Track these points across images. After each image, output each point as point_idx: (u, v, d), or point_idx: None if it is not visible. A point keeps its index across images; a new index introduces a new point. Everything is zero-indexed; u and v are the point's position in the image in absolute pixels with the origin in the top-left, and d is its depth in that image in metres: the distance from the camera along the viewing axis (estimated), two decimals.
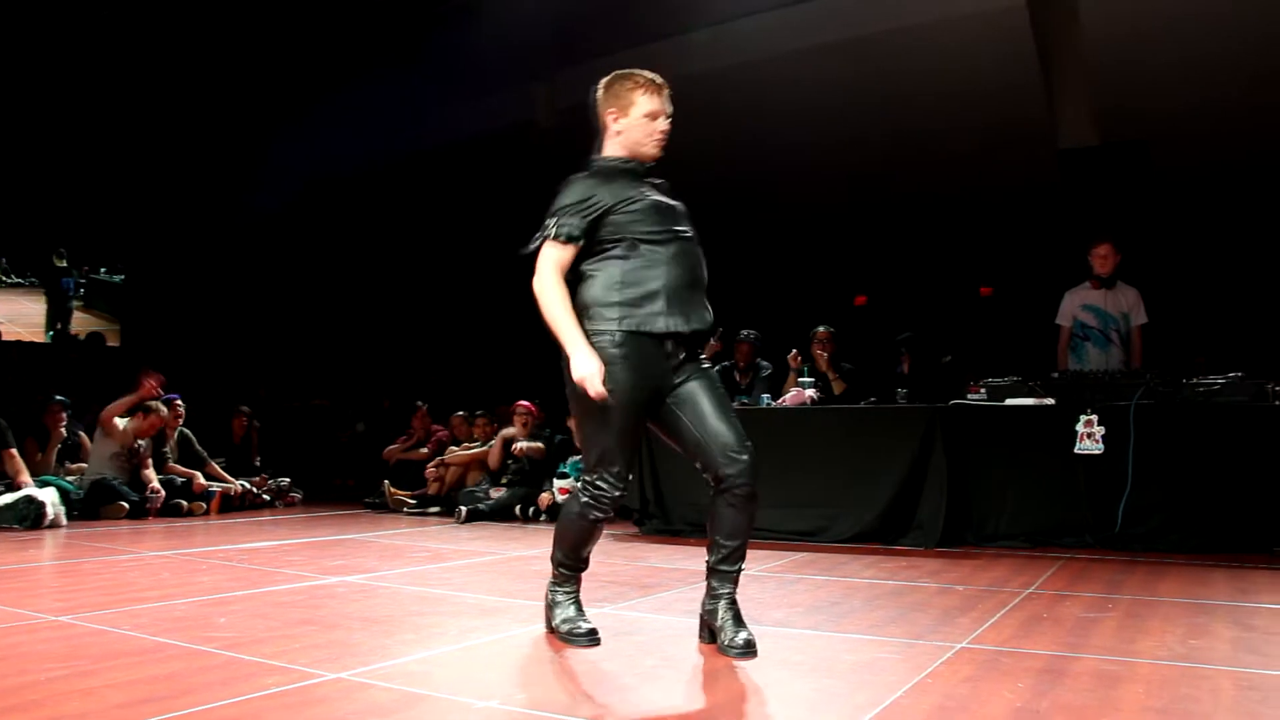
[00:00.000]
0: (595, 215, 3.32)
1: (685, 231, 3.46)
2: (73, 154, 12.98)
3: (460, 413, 9.98)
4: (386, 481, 9.58)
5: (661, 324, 3.31)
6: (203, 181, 14.09)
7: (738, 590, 3.46)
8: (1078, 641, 3.53)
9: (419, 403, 10.66)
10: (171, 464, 8.93)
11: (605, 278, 3.34)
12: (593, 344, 3.27)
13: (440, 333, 15.43)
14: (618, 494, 3.41)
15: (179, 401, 9.31)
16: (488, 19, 12.00)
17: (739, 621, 3.38)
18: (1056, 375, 6.55)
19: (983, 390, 6.61)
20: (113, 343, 14.83)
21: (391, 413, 12.46)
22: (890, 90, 10.36)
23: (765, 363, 8.16)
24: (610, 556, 6.04)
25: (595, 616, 4.02)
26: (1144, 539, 5.86)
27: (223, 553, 6.16)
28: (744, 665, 3.24)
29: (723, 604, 3.41)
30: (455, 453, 9.41)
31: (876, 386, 7.81)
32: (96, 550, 6.33)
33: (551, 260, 3.32)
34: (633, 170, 3.48)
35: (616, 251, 3.34)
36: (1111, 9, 9.22)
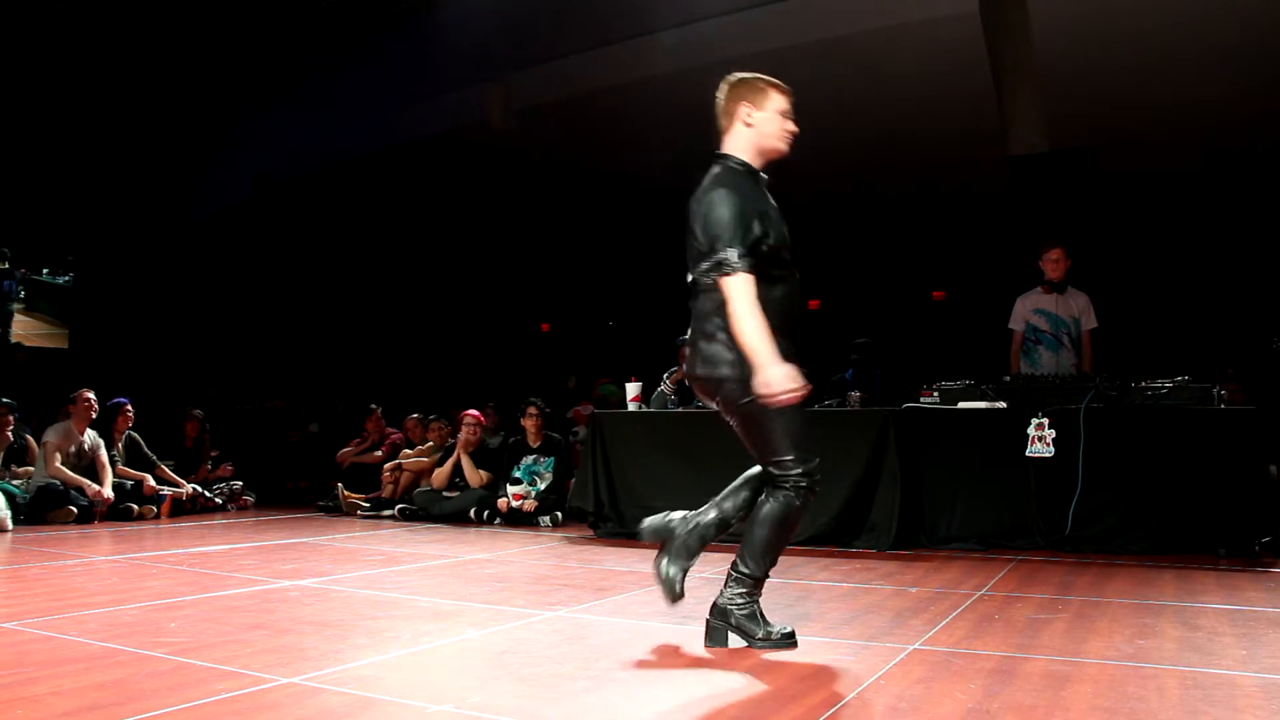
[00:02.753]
0: (753, 240, 3.37)
1: (789, 255, 3.55)
2: (15, 153, 12.75)
3: (415, 415, 9.93)
4: (340, 484, 9.50)
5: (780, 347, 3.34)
6: (152, 181, 13.92)
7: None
8: (1028, 642, 3.57)
9: (373, 405, 10.59)
10: (121, 467, 8.80)
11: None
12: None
13: (394, 334, 15.36)
14: (819, 476, 3.50)
15: (128, 405, 9.18)
16: (442, 19, 11.96)
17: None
18: (1008, 379, 6.62)
19: (935, 394, 6.67)
20: (60, 345, 14.58)
21: (345, 415, 12.37)
22: (843, 96, 10.43)
23: None
24: (565, 559, 6.03)
25: (549, 619, 4.03)
26: (1094, 541, 5.94)
27: (173, 557, 6.08)
28: (699, 667, 3.25)
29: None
30: (409, 455, 9.35)
31: (831, 390, 7.86)
32: (43, 555, 6.23)
33: (746, 292, 3.31)
34: (757, 175, 3.57)
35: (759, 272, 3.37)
36: (1061, 20, 9.34)
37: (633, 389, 7.61)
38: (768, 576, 3.54)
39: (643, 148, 11.85)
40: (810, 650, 3.46)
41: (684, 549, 3.62)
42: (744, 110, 3.53)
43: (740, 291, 3.30)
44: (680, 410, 7.51)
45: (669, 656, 3.40)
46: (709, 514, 3.66)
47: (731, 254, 3.30)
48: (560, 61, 12.16)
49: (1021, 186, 10.38)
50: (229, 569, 5.52)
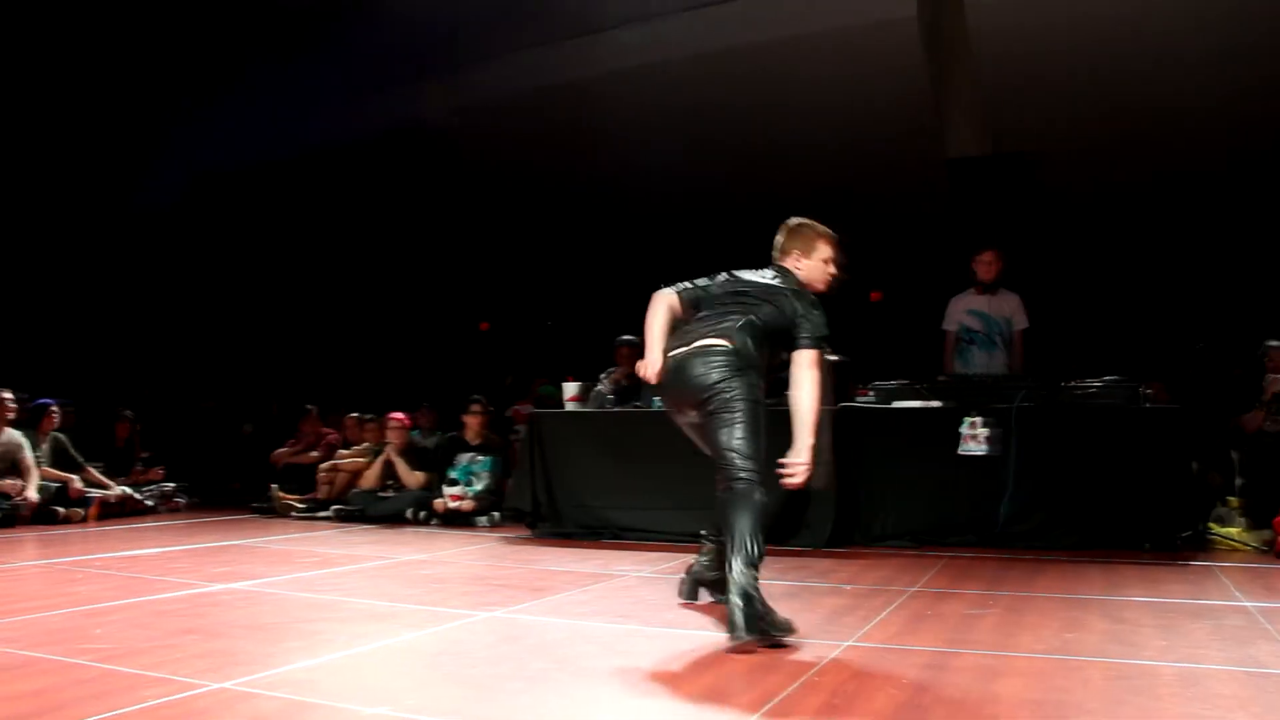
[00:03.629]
0: None
1: None
2: None
3: (354, 414, 9.81)
4: (275, 485, 9.38)
5: None
6: (87, 176, 13.62)
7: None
8: (960, 637, 3.62)
9: (308, 405, 10.46)
10: (46, 468, 8.61)
11: None
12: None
13: (332, 333, 15.18)
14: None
15: (55, 407, 8.98)
16: (384, 15, 11.86)
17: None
18: (942, 378, 6.70)
19: (871, 393, 6.74)
20: None
21: (281, 416, 12.21)
22: (784, 97, 10.51)
23: None
24: (502, 560, 6.01)
25: (486, 620, 4.02)
26: (1024, 537, 6.03)
27: (101, 561, 5.96)
28: (635, 666, 3.25)
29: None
30: (346, 456, 9.26)
31: (770, 390, 7.89)
32: None
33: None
34: None
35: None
36: (1001, 24, 9.48)
37: (570, 389, 7.60)
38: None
39: (585, 147, 11.84)
40: (745, 648, 3.47)
41: (718, 582, 4.03)
42: (794, 256, 4.22)
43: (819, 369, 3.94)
44: (618, 410, 7.52)
45: (605, 656, 3.40)
46: (706, 548, 4.30)
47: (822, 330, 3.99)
48: (503, 59, 12.12)
49: (958, 190, 10.51)
50: (159, 572, 5.43)
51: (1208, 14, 8.81)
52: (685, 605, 4.34)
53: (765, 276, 4.16)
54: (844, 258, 4.28)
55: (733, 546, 3.54)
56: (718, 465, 3.77)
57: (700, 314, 4.05)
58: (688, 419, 3.99)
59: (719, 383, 3.77)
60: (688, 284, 4.18)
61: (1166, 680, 3.01)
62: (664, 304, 4.13)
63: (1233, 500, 6.40)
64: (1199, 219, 10.93)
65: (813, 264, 4.20)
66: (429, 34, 11.79)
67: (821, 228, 4.27)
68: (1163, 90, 9.47)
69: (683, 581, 4.45)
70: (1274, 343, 7.08)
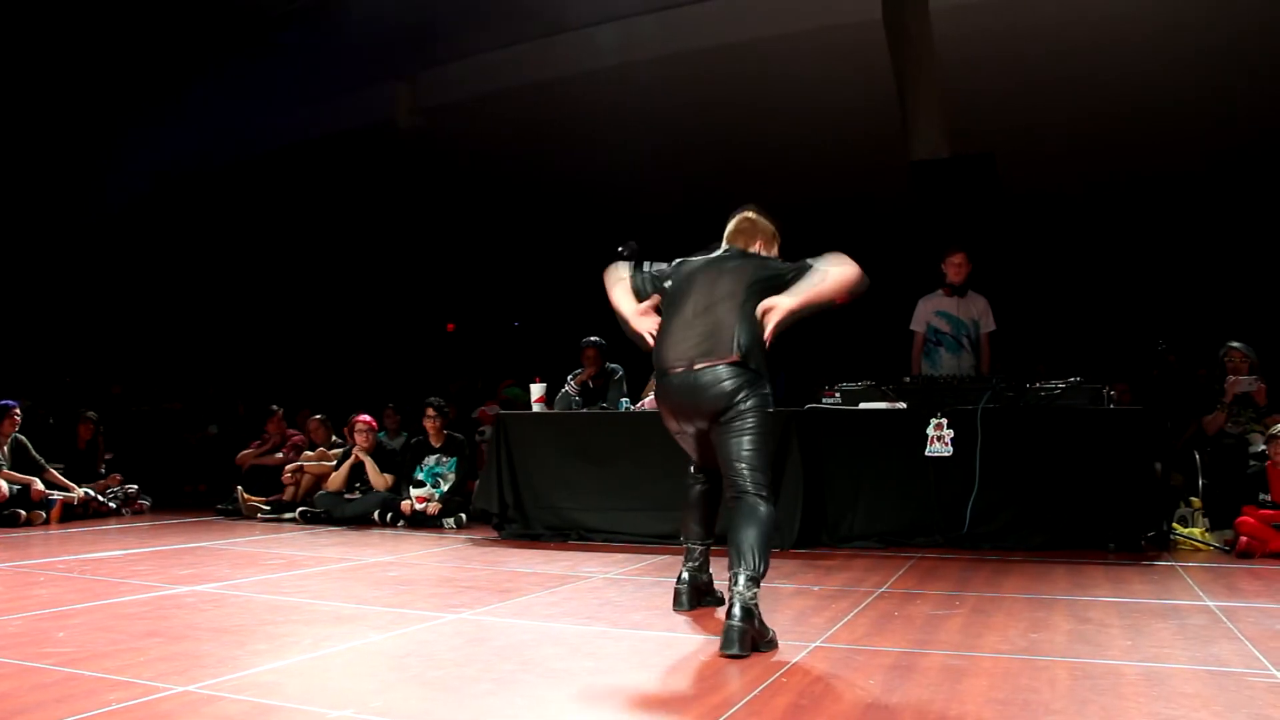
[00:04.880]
0: None
1: None
2: None
3: (318, 416, 9.74)
4: (240, 487, 9.29)
5: None
6: (49, 176, 13.45)
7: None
8: (927, 638, 3.64)
9: (274, 406, 10.38)
10: (7, 471, 8.49)
11: None
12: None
13: (298, 334, 15.09)
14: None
15: (16, 409, 8.85)
16: (349, 14, 11.77)
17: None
18: (908, 380, 6.74)
19: (837, 394, 6.77)
20: None
21: (246, 417, 12.11)
22: (753, 98, 10.52)
23: (614, 365, 8.13)
24: (469, 561, 5.99)
25: (453, 622, 4.00)
26: (990, 538, 6.08)
27: (63, 564, 5.88)
28: (603, 667, 3.25)
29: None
30: (311, 457, 9.19)
31: None
32: None
33: None
34: None
35: None
36: (964, 29, 9.54)
37: (537, 390, 7.58)
38: None
39: (550, 148, 11.82)
40: (713, 649, 3.48)
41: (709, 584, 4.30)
42: (757, 248, 4.15)
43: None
44: (585, 411, 7.51)
45: (572, 658, 3.39)
46: (696, 554, 4.28)
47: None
48: (469, 60, 12.05)
49: (921, 191, 10.58)
50: (122, 575, 5.37)
51: (1166, 19, 8.91)
52: (652, 608, 4.32)
53: (722, 253, 4.13)
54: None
55: (738, 559, 3.53)
56: (727, 476, 3.78)
57: (677, 308, 3.98)
58: (690, 429, 3.97)
59: (735, 393, 3.74)
60: (638, 271, 4.20)
61: (1131, 680, 3.04)
62: (620, 281, 4.20)
63: (1195, 500, 6.48)
64: (1161, 220, 11.07)
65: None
66: (398, 33, 11.72)
67: (772, 225, 4.25)
68: (1123, 94, 9.57)
69: (680, 593, 4.24)
70: (1235, 344, 7.16)
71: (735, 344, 3.77)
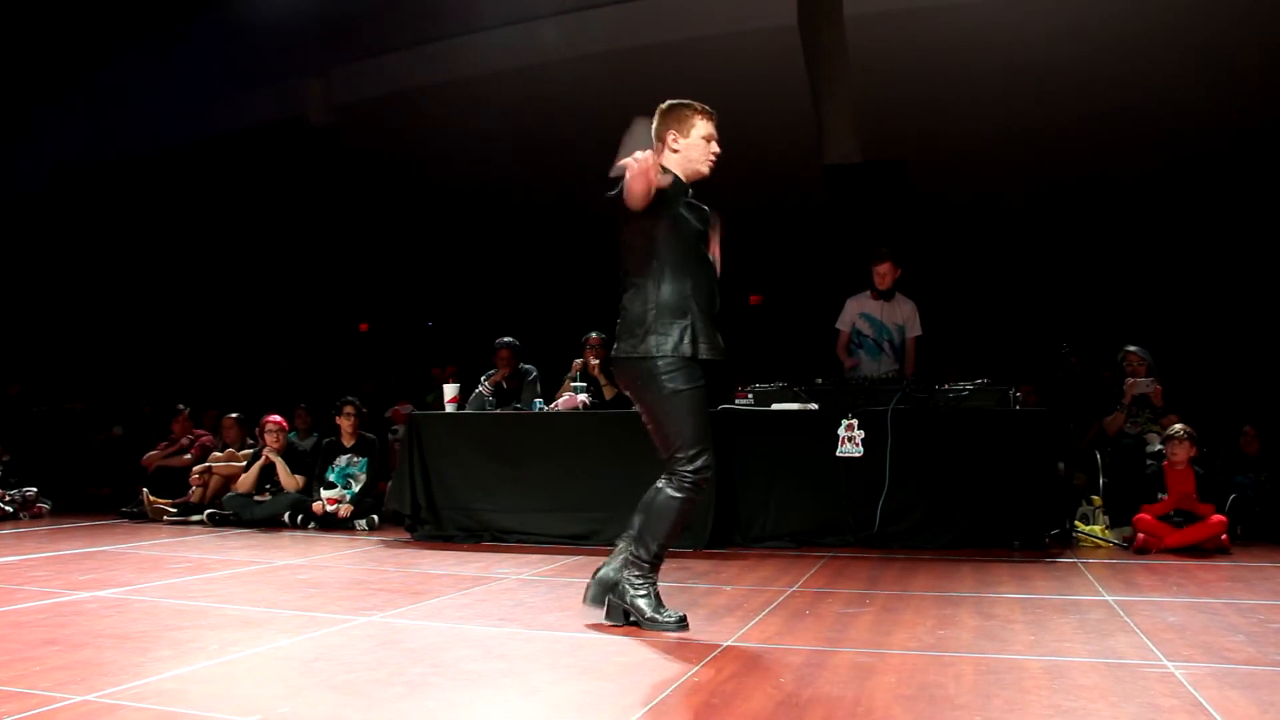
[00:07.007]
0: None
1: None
2: None
3: (234, 415, 9.51)
4: (145, 489, 9.05)
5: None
6: None
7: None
8: (837, 636, 3.69)
9: (180, 405, 10.13)
10: None
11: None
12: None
13: (206, 332, 14.77)
14: (711, 473, 3.82)
15: None
16: (261, 8, 11.58)
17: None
18: (820, 381, 6.80)
19: (750, 395, 6.82)
20: None
21: (152, 417, 11.80)
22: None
23: (528, 366, 8.10)
24: (381, 564, 5.91)
25: (364, 625, 3.94)
26: (900, 537, 6.18)
27: None
28: (515, 669, 3.23)
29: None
30: (220, 458, 9.00)
31: None
32: None
33: None
34: (685, 187, 3.96)
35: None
36: (877, 34, 9.68)
37: (450, 390, 7.52)
38: (660, 561, 3.84)
39: (465, 146, 11.74)
40: (625, 649, 3.48)
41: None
42: (670, 137, 3.91)
43: None
44: (499, 412, 7.46)
45: (485, 659, 3.36)
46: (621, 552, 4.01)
47: None
48: (383, 57, 11.93)
49: (836, 195, 10.72)
50: (18, 581, 5.19)
51: (1070, 24, 9.15)
52: (565, 609, 4.30)
53: None
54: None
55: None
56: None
57: (693, 260, 3.87)
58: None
59: None
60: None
61: (1033, 673, 3.11)
62: None
63: (1096, 499, 6.66)
64: (1065, 225, 11.36)
65: (691, 142, 3.91)
66: (307, 30, 11.55)
67: (698, 104, 3.97)
68: (1029, 103, 9.81)
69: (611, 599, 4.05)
70: (1132, 348, 7.38)
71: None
